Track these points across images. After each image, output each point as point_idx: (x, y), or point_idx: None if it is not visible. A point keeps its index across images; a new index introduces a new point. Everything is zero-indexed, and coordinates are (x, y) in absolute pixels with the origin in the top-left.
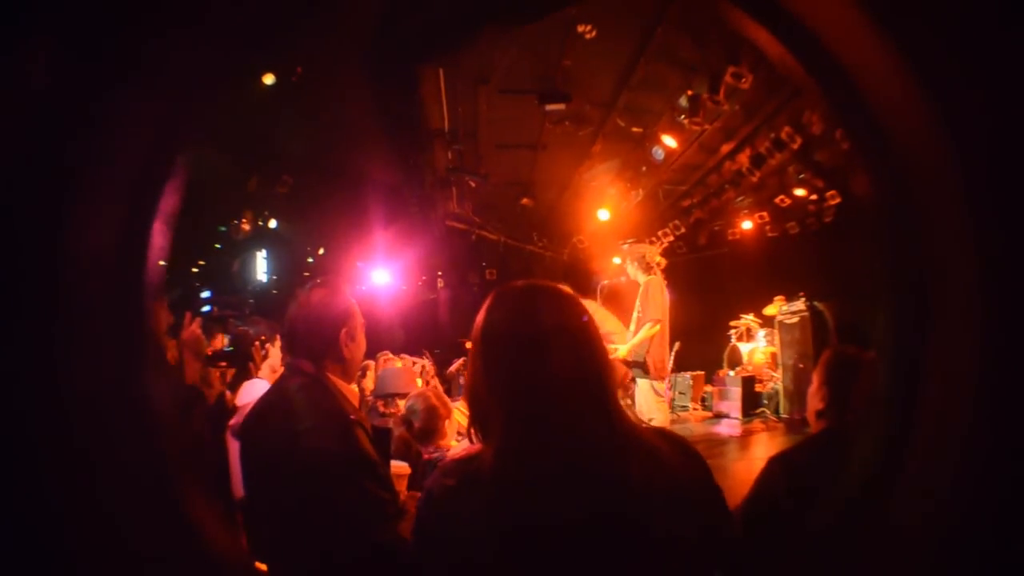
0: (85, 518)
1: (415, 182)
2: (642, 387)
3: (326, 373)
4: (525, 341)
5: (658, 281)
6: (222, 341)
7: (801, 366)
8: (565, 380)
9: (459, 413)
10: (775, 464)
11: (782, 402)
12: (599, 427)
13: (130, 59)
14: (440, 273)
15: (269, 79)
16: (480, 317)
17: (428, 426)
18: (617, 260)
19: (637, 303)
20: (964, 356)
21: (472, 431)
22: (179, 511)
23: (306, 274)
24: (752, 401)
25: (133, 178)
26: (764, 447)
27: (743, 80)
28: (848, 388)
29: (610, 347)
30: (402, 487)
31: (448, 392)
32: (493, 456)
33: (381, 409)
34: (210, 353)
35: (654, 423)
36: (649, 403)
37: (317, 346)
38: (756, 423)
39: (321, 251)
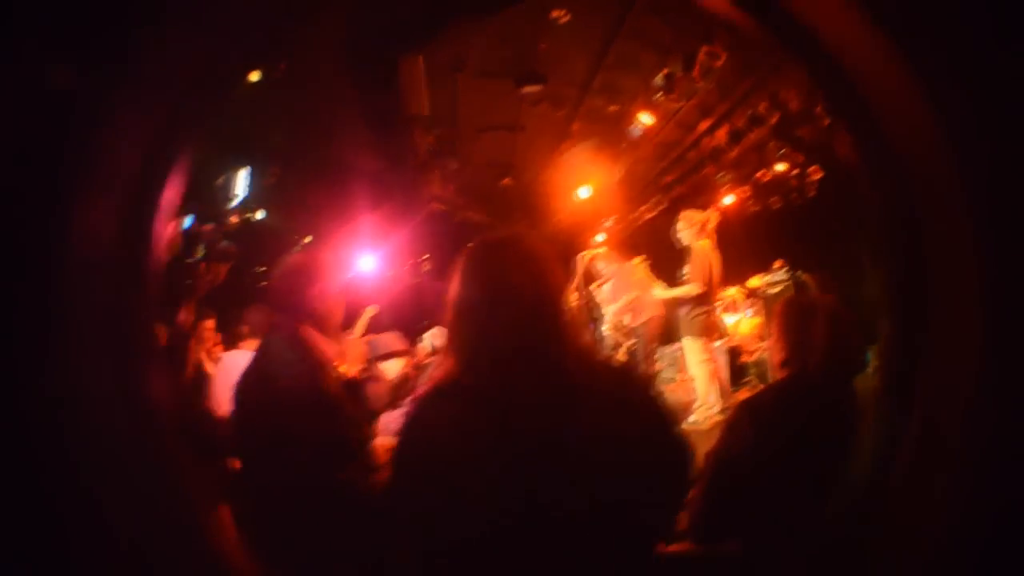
0: (84, 517)
1: (397, 168)
2: (687, 345)
3: (302, 327)
4: (500, 278)
5: (706, 247)
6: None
7: None
8: (528, 310)
9: None
10: (742, 409)
11: (769, 371)
12: (555, 350)
13: (130, 59)
14: (425, 256)
15: (255, 76)
16: (465, 258)
17: None
18: (600, 237)
19: (686, 267)
20: (962, 351)
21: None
22: (181, 509)
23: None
24: (738, 371)
25: (134, 176)
26: None
27: (717, 59)
28: (806, 334)
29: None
30: None
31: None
32: (465, 371)
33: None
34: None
35: (696, 383)
36: (692, 362)
37: (294, 303)
38: (743, 391)
39: (308, 239)
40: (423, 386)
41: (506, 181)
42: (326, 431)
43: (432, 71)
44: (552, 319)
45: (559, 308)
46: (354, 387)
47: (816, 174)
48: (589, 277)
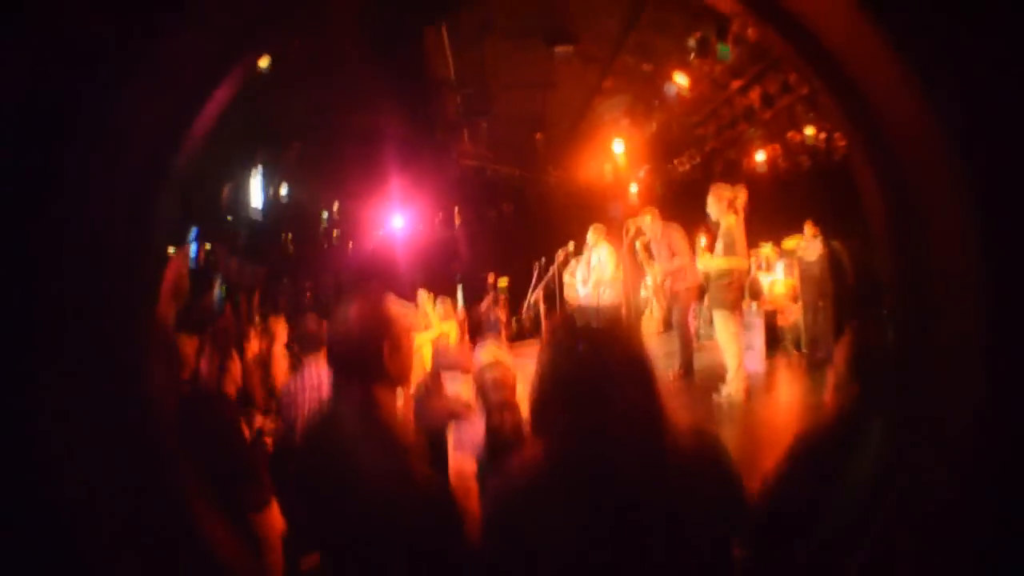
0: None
1: (426, 129)
2: (717, 318)
3: (373, 393)
4: (592, 376)
5: (733, 222)
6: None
7: (821, 304)
8: (623, 407)
9: None
10: (798, 444)
11: (803, 338)
12: (646, 444)
13: (135, 55)
14: (457, 209)
15: (264, 61)
16: (549, 348)
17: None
18: (634, 188)
19: (719, 241)
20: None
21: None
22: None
23: (323, 227)
24: (773, 335)
25: (139, 171)
26: (788, 386)
27: (749, 29)
28: (876, 377)
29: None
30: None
31: (479, 330)
32: (554, 456)
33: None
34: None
35: (726, 356)
36: (723, 335)
37: (361, 365)
38: (779, 357)
39: (336, 205)
40: (507, 467)
41: (538, 135)
42: (421, 516)
43: (461, 34)
44: (653, 407)
45: (659, 396)
46: (438, 442)
47: (842, 140)
48: (637, 240)
